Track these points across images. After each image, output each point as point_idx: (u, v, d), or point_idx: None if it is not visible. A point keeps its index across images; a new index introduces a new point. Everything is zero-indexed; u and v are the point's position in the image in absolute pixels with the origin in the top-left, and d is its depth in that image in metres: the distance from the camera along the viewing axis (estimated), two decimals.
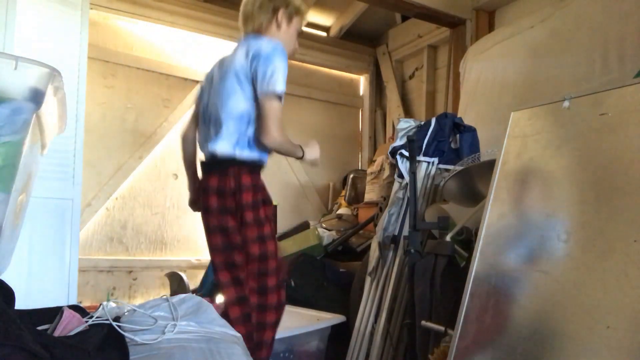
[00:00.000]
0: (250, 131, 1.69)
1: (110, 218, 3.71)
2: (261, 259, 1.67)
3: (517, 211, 1.53)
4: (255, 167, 1.73)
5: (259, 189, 1.73)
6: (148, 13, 3.72)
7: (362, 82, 4.97)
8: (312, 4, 4.23)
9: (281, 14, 1.81)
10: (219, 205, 1.68)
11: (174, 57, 3.98)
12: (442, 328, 1.79)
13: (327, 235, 3.38)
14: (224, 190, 1.66)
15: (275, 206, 2.33)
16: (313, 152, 1.85)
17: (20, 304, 1.02)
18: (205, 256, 3.94)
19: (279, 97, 1.65)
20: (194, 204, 1.97)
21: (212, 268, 1.84)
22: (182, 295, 1.16)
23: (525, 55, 2.94)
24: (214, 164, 1.71)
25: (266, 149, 1.74)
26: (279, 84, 1.64)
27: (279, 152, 1.77)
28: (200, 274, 3.51)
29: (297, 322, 2.31)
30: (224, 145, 1.68)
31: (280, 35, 1.82)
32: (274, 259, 1.69)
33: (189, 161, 1.95)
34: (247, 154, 1.69)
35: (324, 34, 4.71)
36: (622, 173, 1.29)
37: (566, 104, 1.51)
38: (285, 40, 1.80)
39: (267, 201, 1.76)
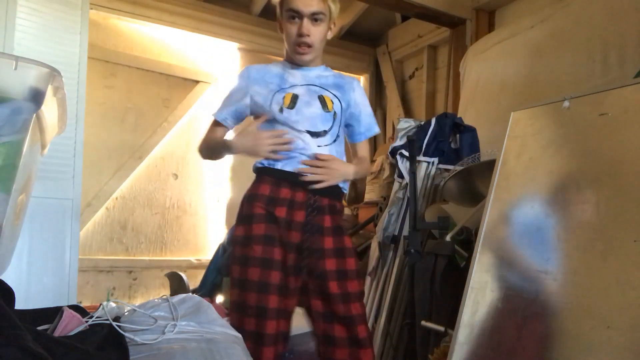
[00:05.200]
0: None
1: (110, 218, 3.71)
2: None
3: (517, 211, 1.53)
4: (257, 176, 1.58)
5: (244, 199, 1.57)
6: (148, 13, 3.72)
7: (362, 82, 4.96)
8: None
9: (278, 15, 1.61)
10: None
11: (174, 57, 3.98)
12: (442, 328, 1.79)
13: None
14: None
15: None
16: (245, 140, 1.51)
17: (20, 304, 1.02)
18: (205, 256, 3.94)
19: (213, 119, 1.62)
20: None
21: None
22: (182, 295, 1.16)
23: (525, 55, 2.94)
24: None
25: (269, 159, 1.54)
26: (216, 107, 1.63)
27: (208, 159, 1.70)
28: (200, 274, 3.50)
29: (297, 322, 2.31)
30: None
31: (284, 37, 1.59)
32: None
33: None
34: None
35: None
36: (622, 173, 1.30)
37: (566, 104, 1.51)
38: (285, 40, 1.58)
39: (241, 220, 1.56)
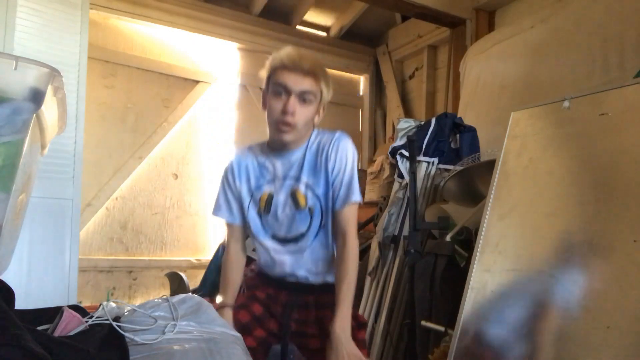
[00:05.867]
0: None
1: (110, 218, 3.71)
2: None
3: (517, 211, 1.53)
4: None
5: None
6: (148, 13, 3.72)
7: (362, 82, 4.97)
8: (312, 4, 4.23)
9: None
10: None
11: (174, 57, 3.98)
12: (442, 328, 1.79)
13: None
14: None
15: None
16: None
17: (20, 304, 1.02)
18: (205, 256, 3.94)
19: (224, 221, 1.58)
20: None
21: None
22: (182, 295, 1.15)
23: (525, 55, 2.94)
24: None
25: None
26: None
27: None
28: (200, 274, 3.50)
29: None
30: None
31: None
32: None
33: None
34: None
35: (324, 34, 4.72)
36: (622, 173, 1.30)
37: (566, 104, 1.51)
38: (267, 117, 1.45)
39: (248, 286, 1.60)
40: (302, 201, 1.44)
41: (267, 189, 1.47)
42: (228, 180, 1.52)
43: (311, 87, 1.38)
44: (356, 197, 1.43)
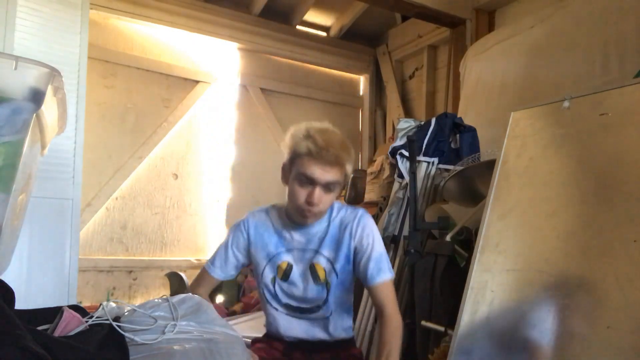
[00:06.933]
0: None
1: (110, 218, 3.71)
2: None
3: (517, 211, 1.53)
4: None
5: None
6: (148, 13, 3.72)
7: (362, 82, 4.97)
8: (312, 4, 4.23)
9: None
10: None
11: (174, 57, 3.99)
12: (442, 328, 1.79)
13: None
14: None
15: None
16: None
17: (20, 304, 1.02)
18: (205, 256, 3.94)
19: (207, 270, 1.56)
20: None
21: None
22: (182, 295, 1.15)
23: (525, 56, 2.94)
24: None
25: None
26: None
27: None
28: None
29: None
30: None
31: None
32: None
33: None
34: None
35: (324, 34, 4.72)
36: (622, 173, 1.30)
37: (566, 104, 1.51)
38: (288, 197, 1.41)
39: None
40: (321, 275, 1.42)
41: (286, 258, 1.44)
42: (238, 241, 1.48)
43: (337, 177, 1.33)
44: (388, 274, 1.40)
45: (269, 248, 1.45)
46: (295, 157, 1.34)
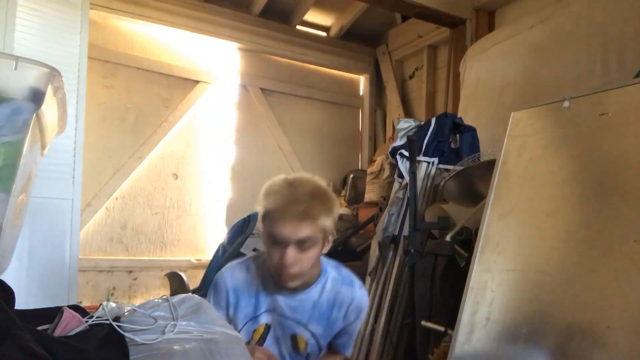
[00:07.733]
0: None
1: (110, 218, 3.71)
2: None
3: (517, 211, 1.53)
4: None
5: None
6: (148, 13, 3.72)
7: (362, 82, 4.97)
8: (312, 4, 4.23)
9: None
10: None
11: (174, 57, 3.99)
12: (442, 328, 1.79)
13: None
14: None
15: None
16: None
17: (20, 304, 1.02)
18: (205, 256, 3.94)
19: None
20: None
21: None
22: (182, 295, 1.15)
23: (525, 55, 2.94)
24: None
25: None
26: None
27: None
28: (200, 274, 3.50)
29: None
30: None
31: None
32: None
33: None
34: None
35: (324, 34, 4.72)
36: (622, 173, 1.29)
37: (566, 104, 1.51)
38: (267, 257, 1.31)
39: None
40: (302, 347, 1.34)
41: (264, 320, 1.33)
42: (219, 305, 1.34)
43: (309, 232, 1.19)
44: (351, 350, 1.42)
45: (247, 310, 1.33)
46: (265, 215, 1.24)
